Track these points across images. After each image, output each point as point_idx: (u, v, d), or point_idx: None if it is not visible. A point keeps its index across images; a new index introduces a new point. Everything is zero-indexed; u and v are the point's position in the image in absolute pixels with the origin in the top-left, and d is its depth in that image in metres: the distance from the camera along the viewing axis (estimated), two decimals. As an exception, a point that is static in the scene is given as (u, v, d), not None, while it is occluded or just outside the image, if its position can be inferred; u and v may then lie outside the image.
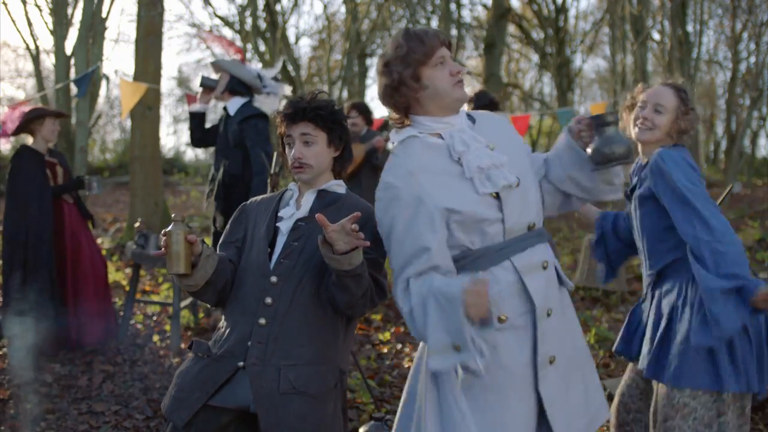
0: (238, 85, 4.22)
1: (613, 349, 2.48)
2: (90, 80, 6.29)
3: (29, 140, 4.43)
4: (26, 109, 4.42)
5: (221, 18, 15.78)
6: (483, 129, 1.89)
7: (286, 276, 2.00)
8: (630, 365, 2.43)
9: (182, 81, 22.44)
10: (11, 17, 15.36)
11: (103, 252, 7.42)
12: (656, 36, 15.73)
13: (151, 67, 7.93)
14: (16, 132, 4.39)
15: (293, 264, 2.01)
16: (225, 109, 4.29)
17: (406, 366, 4.21)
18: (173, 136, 33.97)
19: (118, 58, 41.68)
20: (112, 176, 17.82)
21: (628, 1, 12.93)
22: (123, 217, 10.83)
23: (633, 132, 2.31)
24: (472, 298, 1.59)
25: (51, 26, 10.86)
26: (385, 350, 4.57)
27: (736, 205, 11.31)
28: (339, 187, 2.13)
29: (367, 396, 3.56)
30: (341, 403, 2.06)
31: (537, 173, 1.95)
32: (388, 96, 1.84)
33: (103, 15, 9.81)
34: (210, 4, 23.68)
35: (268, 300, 1.99)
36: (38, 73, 14.14)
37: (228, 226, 2.20)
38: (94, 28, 9.24)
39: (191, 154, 23.88)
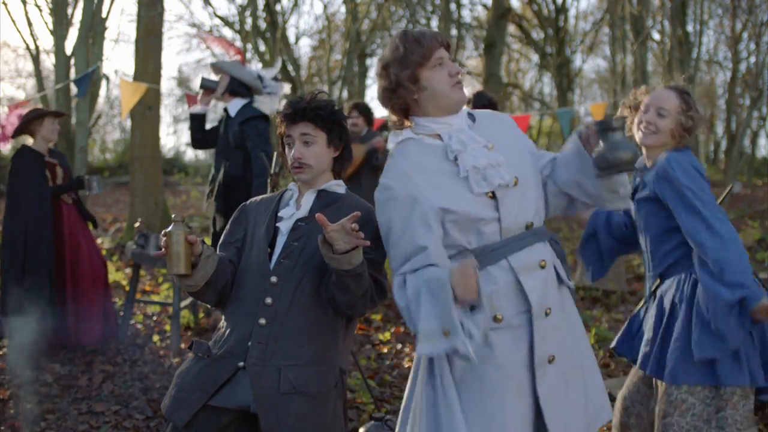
0: (238, 87, 4.22)
1: (611, 346, 2.48)
2: (90, 80, 6.30)
3: (29, 141, 4.44)
4: (24, 111, 4.43)
5: (221, 18, 15.80)
6: (483, 128, 1.89)
7: (286, 276, 2.00)
8: (633, 369, 2.42)
9: (182, 81, 22.46)
10: (11, 17, 15.37)
11: (103, 252, 7.42)
12: (656, 36, 15.75)
13: (151, 67, 7.93)
14: (16, 134, 4.39)
15: (293, 264, 2.01)
16: (225, 110, 4.29)
17: (406, 366, 4.21)
18: (173, 136, 34.02)
19: (118, 58, 41.74)
20: (112, 176, 17.83)
21: (628, 1, 12.93)
22: (123, 217, 10.83)
23: (637, 136, 2.32)
24: (459, 278, 1.62)
25: (51, 26, 10.86)
26: (385, 350, 4.57)
27: (736, 205, 11.31)
28: (339, 187, 2.13)
29: (367, 396, 3.56)
30: (341, 403, 2.06)
31: (541, 171, 1.93)
32: (386, 98, 1.85)
33: (103, 15, 9.81)
34: (210, 4, 23.72)
35: (268, 300, 1.99)
36: (38, 73, 14.14)
37: (228, 227, 2.20)
38: (94, 28, 9.24)
39: (191, 154, 23.90)
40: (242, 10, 14.13)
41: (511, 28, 16.60)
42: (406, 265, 1.75)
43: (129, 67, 25.46)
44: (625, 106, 2.42)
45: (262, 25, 14.51)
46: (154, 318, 5.33)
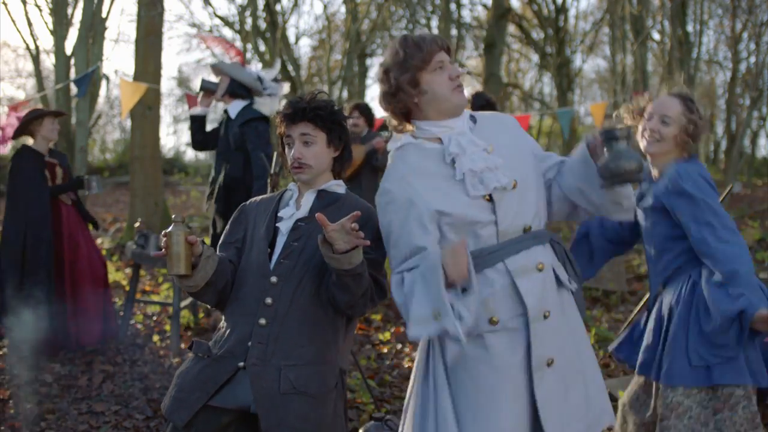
0: (238, 88, 4.22)
1: (610, 349, 2.48)
2: (90, 80, 6.30)
3: (30, 141, 4.43)
4: (23, 113, 4.43)
5: (221, 18, 15.81)
6: (484, 130, 1.89)
7: (286, 276, 2.00)
8: (635, 377, 2.42)
9: (182, 81, 22.48)
10: (11, 17, 15.37)
11: (103, 252, 7.42)
12: (656, 36, 15.76)
13: (151, 67, 7.93)
14: (16, 135, 4.39)
15: (293, 264, 2.01)
16: (226, 112, 4.30)
17: (406, 366, 4.22)
18: (173, 136, 34.04)
19: (118, 58, 41.77)
20: (112, 176, 17.84)
21: (628, 1, 12.93)
22: (123, 217, 10.83)
23: (641, 144, 2.31)
24: (450, 257, 1.64)
25: (51, 26, 10.86)
26: (385, 350, 4.57)
27: (736, 205, 11.31)
28: (339, 187, 2.13)
29: (367, 396, 3.56)
30: (342, 403, 2.06)
31: (545, 174, 1.92)
32: (386, 102, 1.86)
33: (103, 15, 9.81)
34: (210, 4, 23.73)
35: (269, 300, 1.99)
36: (38, 73, 14.14)
37: (228, 227, 2.19)
38: (94, 28, 9.25)
39: (191, 154, 23.91)
40: (242, 10, 14.14)
41: (511, 28, 16.61)
42: (405, 264, 1.77)
43: (129, 67, 25.48)
44: (625, 112, 2.41)
45: (262, 25, 14.51)
46: (154, 318, 5.33)
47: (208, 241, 4.09)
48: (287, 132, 2.07)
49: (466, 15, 22.99)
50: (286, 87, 4.60)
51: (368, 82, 18.82)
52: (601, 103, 6.75)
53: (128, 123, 11.98)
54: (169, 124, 25.93)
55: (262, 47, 14.47)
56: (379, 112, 5.72)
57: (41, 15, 20.08)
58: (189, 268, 1.89)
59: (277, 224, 2.09)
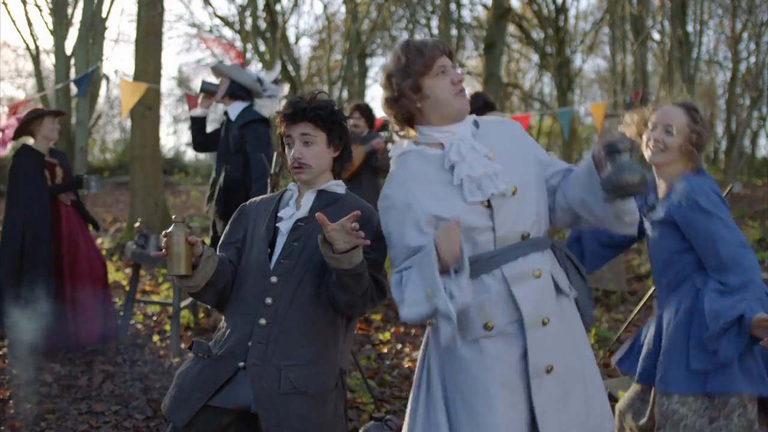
0: (238, 90, 4.22)
1: (613, 361, 2.47)
2: (90, 80, 6.29)
3: (30, 141, 4.44)
4: (22, 114, 4.43)
5: (221, 18, 15.79)
6: (486, 136, 1.88)
7: (286, 276, 2.00)
8: (634, 385, 2.41)
9: (182, 81, 22.47)
10: (11, 17, 15.31)
11: (103, 252, 7.43)
12: (656, 36, 15.74)
13: (151, 67, 7.93)
14: (17, 135, 4.39)
15: (293, 264, 2.01)
16: (226, 113, 4.30)
17: (406, 366, 4.22)
18: (173, 136, 34.03)
19: (118, 58, 41.76)
20: (112, 176, 17.84)
21: (628, 1, 12.92)
22: (123, 217, 10.83)
23: (646, 154, 2.30)
24: (443, 237, 1.65)
25: (51, 26, 10.84)
26: (385, 350, 4.57)
27: (736, 205, 11.31)
28: (338, 187, 2.14)
29: (367, 396, 3.56)
30: (342, 403, 2.06)
31: (548, 180, 1.90)
32: (389, 108, 1.88)
33: (103, 15, 9.79)
34: (210, 4, 23.69)
35: (269, 300, 1.99)
36: (38, 73, 14.13)
37: (228, 227, 2.20)
38: (94, 28, 9.24)
39: (191, 154, 23.90)
40: (242, 10, 14.13)
41: (511, 28, 16.60)
42: (403, 264, 1.79)
43: (129, 67, 25.49)
44: (625, 123, 2.40)
45: (262, 25, 14.50)
46: (154, 318, 5.33)
47: (208, 241, 4.10)
48: (287, 132, 2.07)
49: (466, 15, 22.99)
50: (285, 88, 4.61)
51: (368, 82, 18.85)
52: (601, 103, 6.75)
53: (128, 123, 11.99)
54: (169, 124, 25.95)
55: (262, 47, 14.46)
56: (380, 113, 5.72)
57: (41, 15, 20.06)
58: (189, 269, 1.89)
59: (277, 224, 2.09)
